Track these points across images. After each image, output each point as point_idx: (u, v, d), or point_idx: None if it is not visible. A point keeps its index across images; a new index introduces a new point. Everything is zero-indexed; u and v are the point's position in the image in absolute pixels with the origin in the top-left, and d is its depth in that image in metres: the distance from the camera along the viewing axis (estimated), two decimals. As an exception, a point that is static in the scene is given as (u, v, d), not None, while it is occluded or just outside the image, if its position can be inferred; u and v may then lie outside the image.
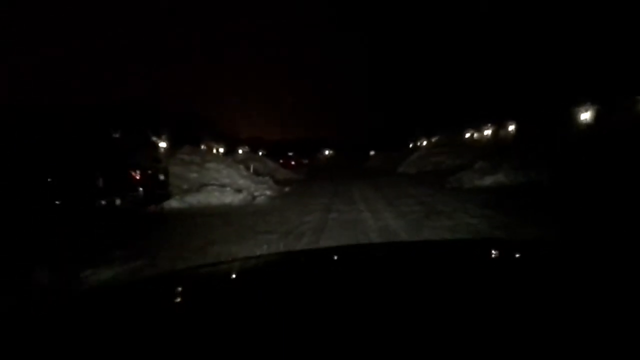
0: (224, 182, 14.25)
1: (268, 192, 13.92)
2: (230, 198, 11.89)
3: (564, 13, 24.38)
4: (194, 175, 14.19)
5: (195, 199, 11.81)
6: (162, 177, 11.19)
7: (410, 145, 60.87)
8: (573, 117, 19.98)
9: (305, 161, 52.95)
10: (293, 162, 46.16)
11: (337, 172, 30.90)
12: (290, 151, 72.04)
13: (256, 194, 13.55)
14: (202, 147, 34.66)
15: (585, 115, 19.14)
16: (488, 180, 13.08)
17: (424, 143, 44.03)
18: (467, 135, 34.69)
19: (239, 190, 12.70)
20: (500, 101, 28.75)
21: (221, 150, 38.00)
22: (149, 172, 10.45)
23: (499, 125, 27.94)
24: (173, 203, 11.39)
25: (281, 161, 33.65)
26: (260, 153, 54.64)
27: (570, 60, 23.00)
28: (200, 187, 12.67)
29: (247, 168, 16.25)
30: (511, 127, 25.78)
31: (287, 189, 16.63)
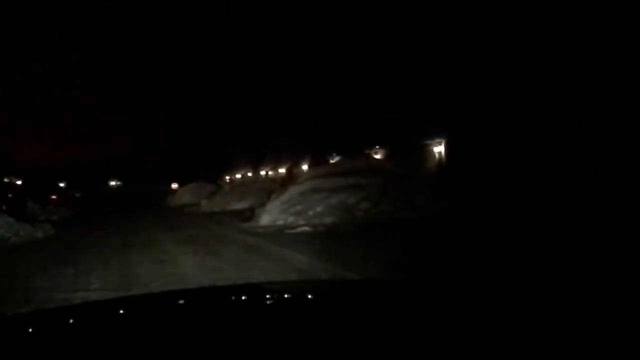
0: None
1: None
2: None
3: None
4: None
5: None
6: None
7: (228, 178, 48.94)
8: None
9: (77, 195, 35.55)
10: (54, 197, 29.26)
11: (128, 219, 16.30)
12: (64, 180, 53.93)
13: None
14: None
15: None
16: None
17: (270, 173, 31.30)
18: (332, 162, 23.95)
19: None
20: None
21: None
22: None
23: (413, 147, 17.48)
24: None
25: (10, 196, 16.84)
26: (5, 180, 35.53)
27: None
28: None
29: None
30: (437, 148, 15.85)
31: None
